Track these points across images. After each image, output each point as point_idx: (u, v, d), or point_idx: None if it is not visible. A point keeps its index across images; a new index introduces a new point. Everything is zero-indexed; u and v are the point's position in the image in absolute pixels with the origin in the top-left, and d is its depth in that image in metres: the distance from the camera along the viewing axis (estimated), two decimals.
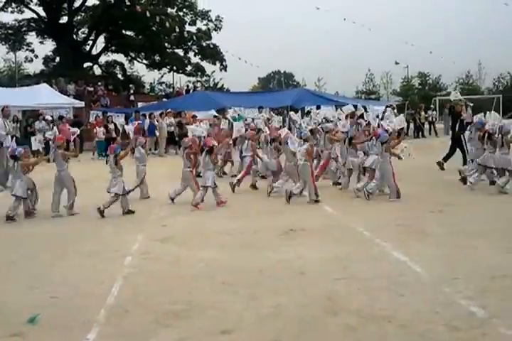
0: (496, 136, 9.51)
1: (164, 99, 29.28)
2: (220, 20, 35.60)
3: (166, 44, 35.31)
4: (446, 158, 12.78)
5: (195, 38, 35.25)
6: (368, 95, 58.01)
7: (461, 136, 12.39)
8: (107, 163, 9.19)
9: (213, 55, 35.67)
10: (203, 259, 5.81)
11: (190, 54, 35.96)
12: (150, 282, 5.17)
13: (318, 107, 21.78)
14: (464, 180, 10.30)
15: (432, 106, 29.80)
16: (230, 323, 4.09)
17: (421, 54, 48.58)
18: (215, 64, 36.55)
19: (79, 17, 35.27)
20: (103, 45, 35.92)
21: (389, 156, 9.08)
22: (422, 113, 27.80)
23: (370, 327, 3.94)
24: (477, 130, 10.25)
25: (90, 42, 35.51)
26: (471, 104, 13.98)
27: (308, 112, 18.14)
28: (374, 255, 5.81)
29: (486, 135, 9.65)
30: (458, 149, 12.64)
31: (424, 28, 66.36)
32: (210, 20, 35.58)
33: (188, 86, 35.03)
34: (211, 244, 6.51)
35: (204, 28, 35.62)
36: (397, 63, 46.07)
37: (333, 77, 58.54)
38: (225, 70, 37.16)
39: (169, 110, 21.79)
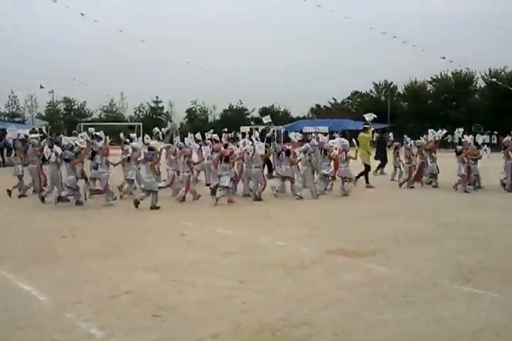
0: (339, 153, 12.77)
1: None
2: None
3: None
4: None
5: None
6: (12, 118, 55.19)
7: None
8: None
9: None
10: None
11: None
12: None
13: None
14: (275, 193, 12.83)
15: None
16: None
17: (66, 80, 48.61)
18: None
19: None
20: None
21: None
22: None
23: None
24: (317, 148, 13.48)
25: None
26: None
27: None
28: None
29: (323, 151, 13.07)
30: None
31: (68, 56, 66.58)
32: None
33: None
34: None
35: None
36: (42, 87, 44.67)
37: None
38: None
39: None
